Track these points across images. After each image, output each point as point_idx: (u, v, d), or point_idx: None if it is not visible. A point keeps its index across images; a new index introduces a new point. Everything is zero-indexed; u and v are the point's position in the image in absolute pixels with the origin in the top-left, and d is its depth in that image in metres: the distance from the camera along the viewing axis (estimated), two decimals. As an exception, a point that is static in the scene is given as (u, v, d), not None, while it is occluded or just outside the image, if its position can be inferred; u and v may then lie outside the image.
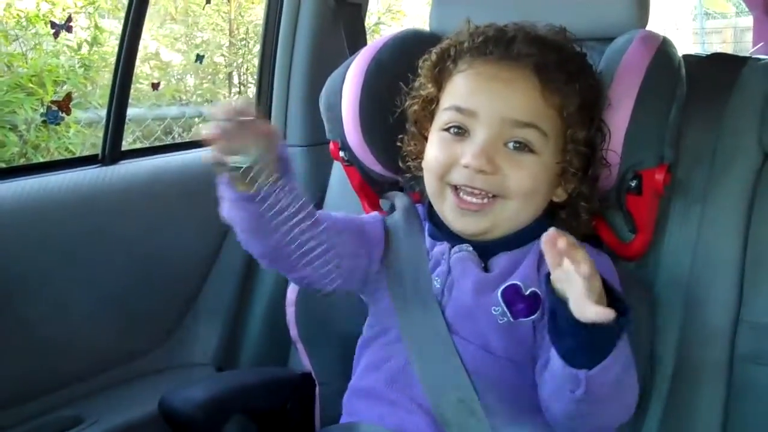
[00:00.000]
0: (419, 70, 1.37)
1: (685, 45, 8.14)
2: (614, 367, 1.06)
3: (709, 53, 1.64)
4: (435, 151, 1.29)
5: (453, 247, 1.30)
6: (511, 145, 1.24)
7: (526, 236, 1.29)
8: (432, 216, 1.35)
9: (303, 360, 1.50)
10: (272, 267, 1.30)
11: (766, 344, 1.35)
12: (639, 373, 1.26)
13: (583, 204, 1.32)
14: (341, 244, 1.29)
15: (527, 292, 1.23)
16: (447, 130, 1.28)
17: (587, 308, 1.02)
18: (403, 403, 1.25)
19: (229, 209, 1.19)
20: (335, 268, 1.28)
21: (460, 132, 1.27)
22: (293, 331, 1.49)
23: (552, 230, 1.04)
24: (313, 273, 1.27)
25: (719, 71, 1.52)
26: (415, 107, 1.36)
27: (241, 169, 1.08)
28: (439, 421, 1.21)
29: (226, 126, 1.06)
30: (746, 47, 6.25)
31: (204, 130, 1.07)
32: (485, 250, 1.30)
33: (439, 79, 1.33)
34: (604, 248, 1.39)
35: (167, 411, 1.45)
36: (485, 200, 1.25)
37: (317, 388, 1.49)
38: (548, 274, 1.07)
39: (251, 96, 3.93)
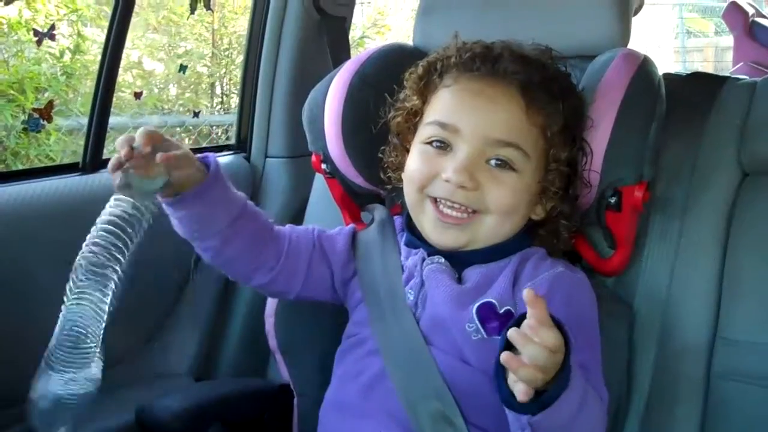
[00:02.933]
0: (405, 83, 1.37)
1: (667, 63, 8.20)
2: (563, 411, 1.05)
3: (689, 72, 1.66)
4: (416, 163, 1.30)
5: (426, 259, 1.31)
6: (492, 162, 1.25)
7: (502, 251, 1.30)
8: (410, 225, 1.36)
9: (281, 371, 1.50)
10: (225, 271, 1.36)
11: (743, 361, 1.36)
12: (615, 389, 1.27)
13: (564, 222, 1.33)
14: (295, 254, 1.34)
15: (502, 311, 1.24)
16: (429, 143, 1.29)
17: (516, 386, 1.02)
18: (378, 415, 1.25)
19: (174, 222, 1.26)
20: (291, 276, 1.34)
21: (442, 146, 1.28)
22: (272, 342, 1.49)
23: (529, 293, 1.02)
24: (265, 281, 1.33)
25: (699, 90, 1.53)
26: (399, 119, 1.37)
27: (152, 192, 1.17)
28: (415, 432, 1.21)
29: (130, 159, 1.15)
30: (727, 66, 6.31)
31: (109, 167, 1.17)
32: (459, 260, 1.30)
33: (425, 92, 1.34)
34: (582, 264, 1.40)
35: (144, 420, 1.44)
36: (465, 215, 1.26)
37: (295, 400, 1.48)
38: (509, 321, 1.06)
39: (234, 106, 3.93)
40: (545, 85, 1.28)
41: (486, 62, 1.29)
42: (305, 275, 1.36)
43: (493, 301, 1.24)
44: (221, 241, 1.28)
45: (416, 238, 1.34)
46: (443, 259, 1.30)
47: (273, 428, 1.52)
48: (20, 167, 3.32)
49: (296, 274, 1.35)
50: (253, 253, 1.31)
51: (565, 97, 1.30)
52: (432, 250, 1.31)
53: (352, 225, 1.47)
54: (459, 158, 1.25)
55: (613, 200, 1.33)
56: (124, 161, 1.14)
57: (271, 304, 1.48)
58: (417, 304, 1.29)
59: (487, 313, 1.23)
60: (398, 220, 1.42)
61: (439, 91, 1.32)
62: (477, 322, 1.23)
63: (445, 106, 1.30)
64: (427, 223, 1.30)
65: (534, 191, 1.29)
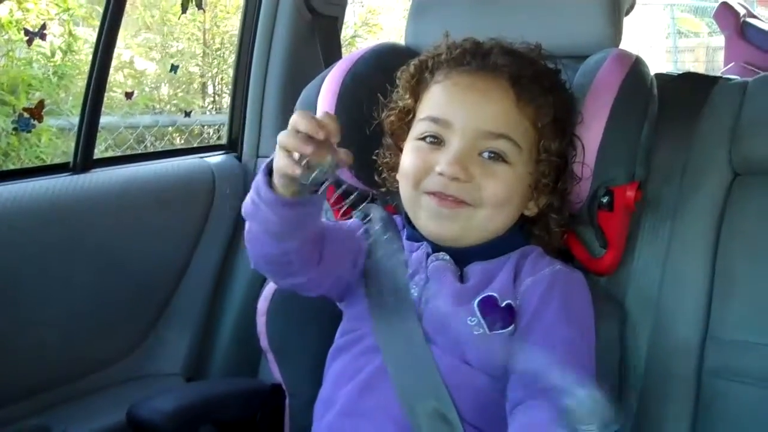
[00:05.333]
0: (397, 81, 1.38)
1: (658, 63, 8.22)
2: None
3: (680, 72, 1.66)
4: (410, 158, 1.31)
5: (430, 255, 1.31)
6: (485, 155, 1.26)
7: (500, 247, 1.31)
8: (410, 221, 1.36)
9: (273, 371, 1.50)
10: (268, 270, 1.31)
11: (734, 360, 1.36)
12: (606, 388, 1.27)
13: (554, 216, 1.34)
14: (331, 252, 1.30)
15: (503, 304, 1.24)
16: (423, 139, 1.30)
17: None
18: (375, 414, 1.24)
19: (256, 210, 1.17)
20: (324, 275, 1.30)
21: (436, 141, 1.29)
22: (263, 342, 1.48)
23: None
24: (304, 280, 1.29)
25: (690, 90, 1.54)
26: (392, 118, 1.38)
27: (309, 180, 1.09)
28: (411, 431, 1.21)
29: (307, 138, 1.07)
30: (718, 66, 6.33)
31: (282, 137, 1.09)
32: (460, 257, 1.31)
33: (417, 90, 1.35)
34: (574, 263, 1.40)
35: (135, 421, 1.44)
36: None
37: (287, 400, 1.48)
38: None
39: (225, 105, 3.92)
40: (535, 78, 1.29)
41: (476, 57, 1.30)
42: (337, 276, 1.33)
43: (495, 294, 1.25)
44: (300, 244, 1.21)
45: (417, 232, 1.34)
46: (447, 256, 1.30)
47: (264, 429, 1.52)
48: (11, 167, 3.31)
49: (329, 277, 1.31)
50: (310, 256, 1.26)
51: (555, 91, 1.31)
52: (436, 246, 1.31)
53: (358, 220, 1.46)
54: (452, 151, 1.26)
55: (605, 200, 1.34)
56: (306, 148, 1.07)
57: (262, 303, 1.48)
58: (421, 300, 1.29)
59: (488, 306, 1.24)
60: (398, 219, 1.42)
61: (430, 87, 1.33)
62: (479, 315, 1.23)
63: (437, 101, 1.31)
64: (424, 216, 1.30)
65: (526, 183, 1.30)
